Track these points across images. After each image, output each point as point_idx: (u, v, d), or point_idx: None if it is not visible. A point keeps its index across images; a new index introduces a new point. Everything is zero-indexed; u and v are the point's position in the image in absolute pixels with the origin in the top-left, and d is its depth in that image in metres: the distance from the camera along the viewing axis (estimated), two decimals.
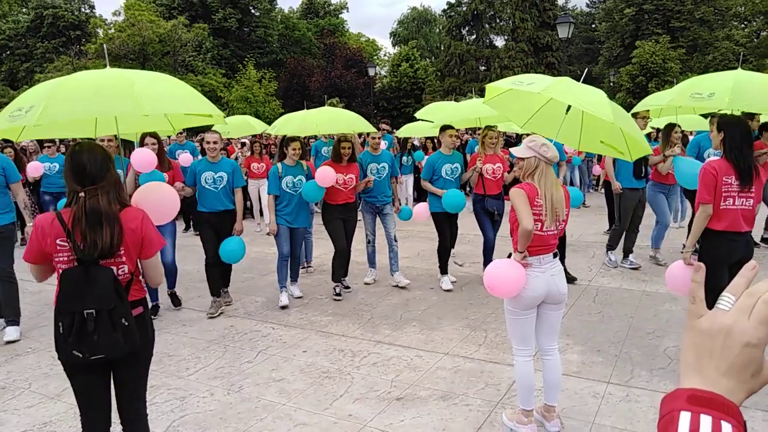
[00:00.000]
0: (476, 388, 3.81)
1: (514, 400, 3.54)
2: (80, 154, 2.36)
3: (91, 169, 2.33)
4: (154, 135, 5.37)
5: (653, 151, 6.42)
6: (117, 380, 2.52)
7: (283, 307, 5.64)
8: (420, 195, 11.46)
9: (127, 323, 2.33)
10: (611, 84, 35.35)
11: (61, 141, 12.53)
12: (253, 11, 40.01)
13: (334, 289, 5.99)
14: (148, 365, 2.62)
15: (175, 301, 5.73)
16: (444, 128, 6.18)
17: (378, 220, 6.41)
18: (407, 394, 3.77)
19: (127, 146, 5.85)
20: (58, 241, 2.29)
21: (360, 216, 6.48)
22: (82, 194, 2.30)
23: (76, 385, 2.47)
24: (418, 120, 10.45)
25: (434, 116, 8.72)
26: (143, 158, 4.71)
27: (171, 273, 5.66)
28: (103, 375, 2.48)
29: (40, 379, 4.12)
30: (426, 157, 9.80)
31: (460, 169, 6.15)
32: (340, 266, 6.02)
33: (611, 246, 6.83)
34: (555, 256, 3.14)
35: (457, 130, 11.83)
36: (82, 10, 38.62)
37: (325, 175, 5.60)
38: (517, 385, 3.25)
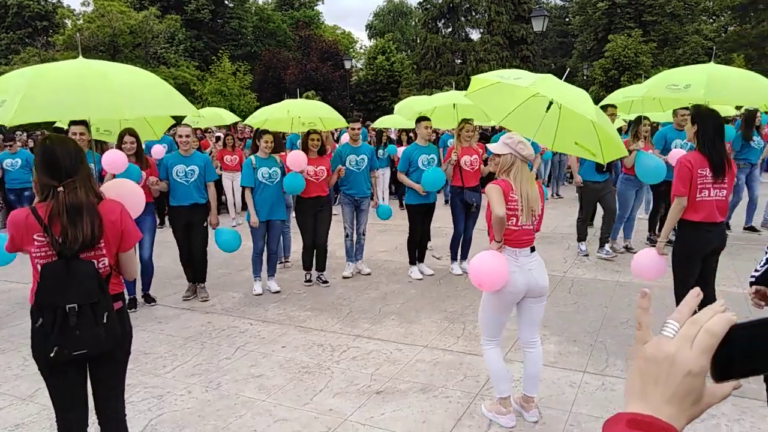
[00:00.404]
0: (455, 380, 3.84)
1: (492, 391, 3.56)
2: (52, 147, 2.31)
3: (66, 162, 2.28)
4: (133, 133, 5.24)
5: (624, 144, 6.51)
6: (94, 378, 2.47)
7: (257, 295, 5.79)
8: (398, 189, 11.45)
9: (108, 318, 2.30)
10: (585, 77, 35.78)
11: (29, 135, 12.20)
12: (226, 2, 39.30)
13: (305, 275, 6.19)
14: (127, 362, 2.58)
15: (149, 299, 5.66)
16: (420, 119, 6.22)
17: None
18: (387, 387, 3.78)
19: (99, 144, 5.73)
20: (35, 236, 2.25)
21: (338, 210, 6.50)
22: (60, 189, 2.25)
23: (52, 384, 2.40)
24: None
25: (411, 110, 8.68)
26: (113, 160, 4.56)
27: (148, 270, 5.59)
28: (81, 373, 2.43)
29: (11, 380, 4.01)
30: (400, 149, 9.71)
31: (437, 161, 6.20)
32: (309, 259, 6.17)
33: (579, 237, 7.09)
34: (532, 250, 3.17)
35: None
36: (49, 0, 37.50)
37: (296, 159, 5.67)
38: (489, 373, 3.32)
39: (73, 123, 4.89)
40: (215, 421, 3.39)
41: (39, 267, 2.26)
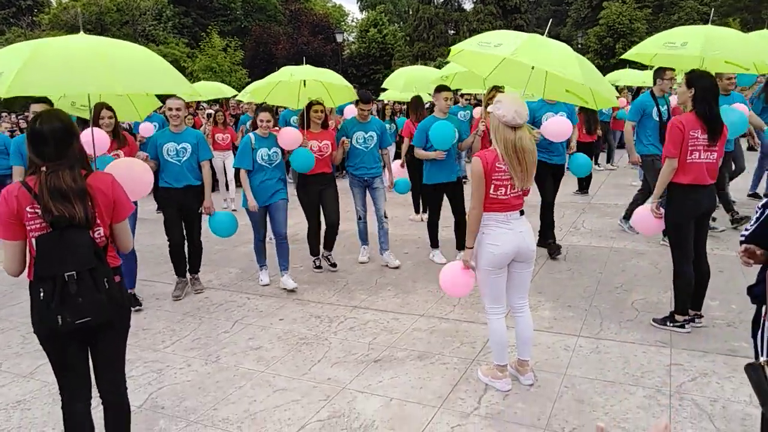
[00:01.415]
0: (452, 347, 3.89)
1: (489, 356, 3.62)
2: (41, 125, 2.26)
3: (51, 144, 2.24)
4: (109, 107, 4.71)
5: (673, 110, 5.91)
6: (95, 351, 2.48)
7: (264, 285, 5.37)
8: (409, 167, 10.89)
9: (109, 285, 2.31)
10: (579, 45, 35.39)
11: (18, 116, 12.02)
12: None
13: (314, 262, 5.76)
14: (126, 335, 2.59)
15: (134, 302, 4.87)
16: (439, 89, 5.55)
17: (368, 195, 5.91)
18: (384, 355, 3.83)
19: (81, 122, 5.39)
20: (28, 209, 2.24)
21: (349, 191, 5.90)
22: (43, 169, 2.23)
23: (54, 358, 2.41)
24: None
25: (399, 81, 8.50)
26: (95, 139, 4.14)
27: (129, 265, 4.80)
28: (82, 346, 2.44)
29: (12, 358, 4.04)
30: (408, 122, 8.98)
31: (459, 135, 5.48)
32: (316, 242, 5.74)
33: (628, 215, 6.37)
34: (521, 213, 3.18)
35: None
36: None
37: (288, 137, 5.18)
38: (491, 342, 3.34)
39: (34, 101, 4.40)
40: (215, 393, 3.43)
41: (34, 240, 2.25)
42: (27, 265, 2.35)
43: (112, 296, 2.32)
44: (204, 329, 4.43)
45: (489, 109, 3.05)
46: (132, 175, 3.46)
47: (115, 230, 2.47)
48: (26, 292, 2.33)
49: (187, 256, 5.30)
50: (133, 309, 4.39)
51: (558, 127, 5.12)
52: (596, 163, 11.05)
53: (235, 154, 7.16)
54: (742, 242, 2.15)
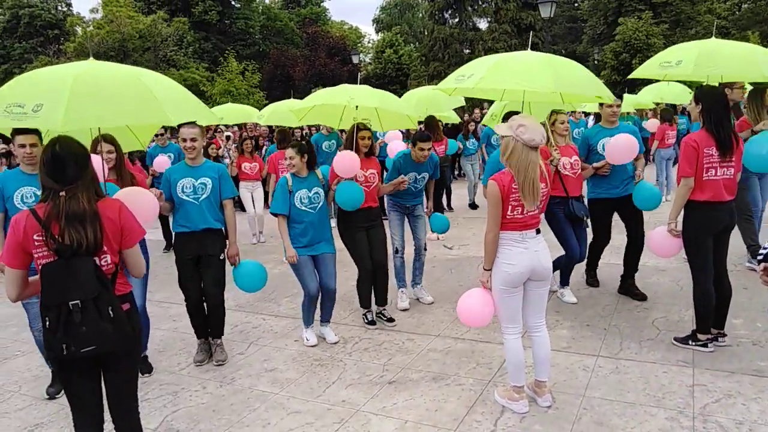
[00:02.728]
0: (468, 368, 3.83)
1: (505, 377, 3.56)
2: (59, 151, 2.32)
3: (71, 166, 2.31)
4: (109, 139, 3.86)
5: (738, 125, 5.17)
6: (107, 379, 2.49)
7: (311, 346, 4.43)
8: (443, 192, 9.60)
9: (114, 313, 2.30)
10: (596, 62, 35.28)
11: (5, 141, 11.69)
12: (233, 3, 39.48)
13: (365, 316, 4.83)
14: (138, 362, 2.61)
15: (144, 368, 4.08)
16: (511, 114, 4.25)
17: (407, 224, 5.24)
18: (399, 377, 3.79)
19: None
20: (35, 237, 2.27)
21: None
22: (62, 194, 2.28)
23: (67, 384, 2.46)
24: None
25: (411, 102, 8.37)
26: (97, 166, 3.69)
27: (143, 324, 3.54)
28: (94, 374, 2.46)
29: (30, 382, 4.09)
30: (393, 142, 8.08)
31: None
32: (369, 290, 4.81)
33: None
34: (538, 232, 3.15)
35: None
36: (59, 8, 37.93)
37: (347, 162, 4.37)
38: (507, 363, 3.28)
39: (18, 132, 3.65)
40: (229, 416, 3.42)
41: (40, 267, 2.28)
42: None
43: (118, 325, 2.31)
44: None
45: (510, 132, 2.98)
46: (137, 201, 3.23)
47: (126, 256, 2.49)
48: None
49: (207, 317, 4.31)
50: (141, 376, 3.79)
51: (620, 145, 4.53)
52: None
53: (264, 186, 6.74)
54: (760, 261, 2.10)
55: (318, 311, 4.56)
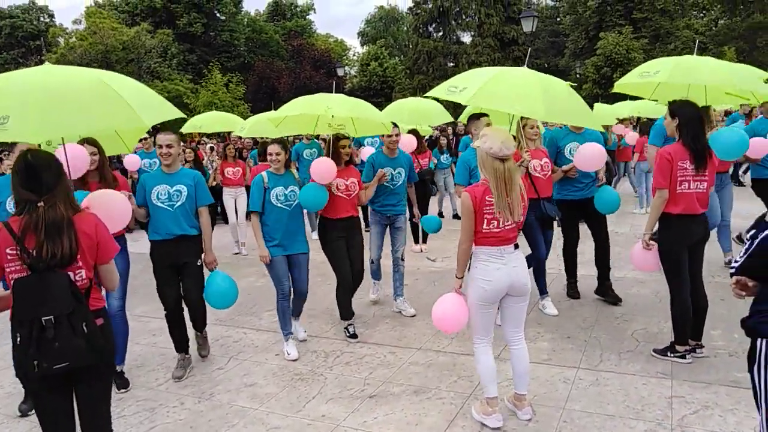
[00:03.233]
0: (449, 381, 3.82)
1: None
2: (33, 161, 2.31)
3: (47, 177, 2.29)
4: (92, 142, 3.87)
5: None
6: (79, 396, 2.44)
7: (292, 361, 4.36)
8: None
9: (88, 329, 2.26)
10: (578, 76, 35.85)
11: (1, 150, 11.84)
12: (218, 15, 39.50)
13: (346, 329, 4.78)
14: (112, 378, 2.56)
15: (121, 383, 3.97)
16: (476, 116, 4.67)
17: (387, 234, 5.38)
18: (380, 391, 3.76)
19: None
20: (8, 251, 2.23)
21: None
22: (41, 204, 2.25)
23: (37, 402, 2.40)
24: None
25: (403, 114, 8.49)
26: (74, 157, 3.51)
27: (120, 331, 3.93)
28: (65, 391, 2.40)
29: (3, 399, 3.99)
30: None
31: None
32: (349, 301, 4.84)
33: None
34: (516, 247, 3.13)
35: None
36: (42, 19, 37.69)
37: (323, 168, 4.44)
38: (479, 374, 3.27)
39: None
40: None
41: (12, 282, 2.24)
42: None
43: (92, 341, 2.27)
44: (199, 366, 4.37)
45: (475, 144, 3.06)
46: (109, 203, 3.23)
47: (101, 271, 2.47)
48: None
49: (187, 317, 4.34)
50: (118, 391, 3.87)
51: (588, 154, 4.70)
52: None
53: (247, 191, 6.63)
54: (732, 274, 2.12)
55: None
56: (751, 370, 2.09)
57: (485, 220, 3.00)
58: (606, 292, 5.16)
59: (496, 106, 4.08)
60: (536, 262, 4.89)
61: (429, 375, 3.95)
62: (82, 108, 2.80)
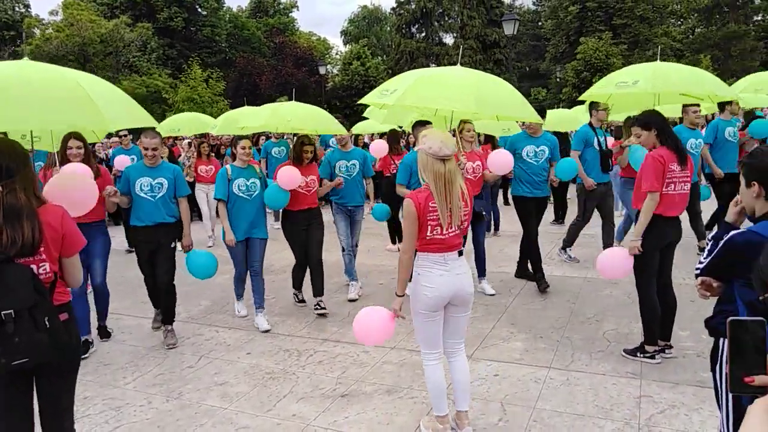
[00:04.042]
0: (421, 381, 3.80)
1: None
2: None
3: (8, 162, 2.22)
4: (78, 137, 4.34)
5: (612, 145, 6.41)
6: (41, 393, 2.37)
7: (243, 317, 5.22)
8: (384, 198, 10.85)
9: (51, 324, 2.19)
10: (558, 79, 36.28)
11: None
12: (199, 10, 39.02)
13: (295, 296, 5.55)
14: (75, 375, 2.48)
15: (104, 333, 4.83)
16: (421, 123, 5.27)
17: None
18: (353, 390, 3.74)
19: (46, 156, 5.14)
20: None
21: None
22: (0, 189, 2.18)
23: None
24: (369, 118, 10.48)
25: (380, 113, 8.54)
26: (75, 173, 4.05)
27: (103, 297, 4.74)
28: (25, 388, 2.33)
29: None
30: (377, 141, 8.98)
31: None
32: (302, 275, 5.51)
33: (569, 242, 6.65)
34: (460, 254, 2.97)
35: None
36: (17, 9, 36.79)
37: (290, 177, 4.91)
38: (428, 390, 3.09)
39: None
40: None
41: None
42: None
43: (54, 336, 2.20)
44: (168, 364, 4.29)
45: (417, 147, 2.92)
46: (75, 185, 3.28)
47: (65, 265, 2.39)
48: None
49: (162, 305, 4.85)
50: (102, 340, 4.79)
51: (499, 159, 5.10)
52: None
53: None
54: (697, 275, 2.15)
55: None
56: (713, 369, 2.12)
57: (429, 227, 2.85)
58: (525, 274, 6.01)
59: (425, 103, 4.32)
60: (475, 251, 5.61)
61: (402, 374, 3.93)
62: (45, 103, 2.78)
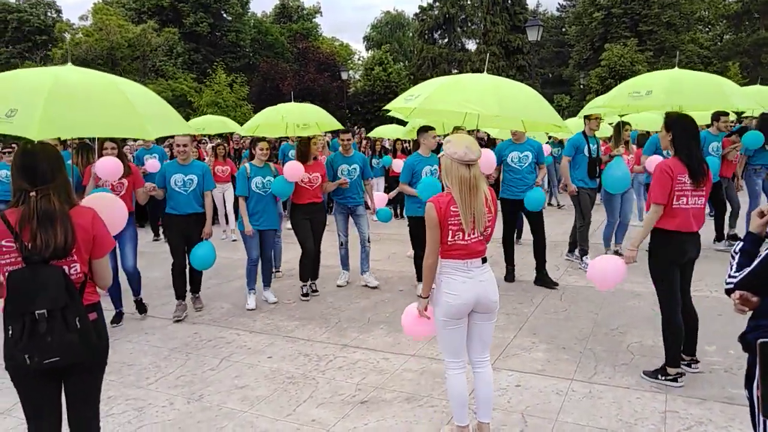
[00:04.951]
0: (441, 389, 3.78)
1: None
2: (32, 153, 2.32)
3: (43, 168, 2.28)
4: (113, 138, 5.18)
5: (604, 150, 6.92)
6: (68, 391, 2.41)
7: (250, 310, 5.63)
8: (394, 199, 11.40)
9: (81, 324, 2.24)
10: (581, 86, 35.91)
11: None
12: (224, 15, 39.61)
13: (302, 288, 6.03)
14: (102, 374, 2.52)
15: (141, 308, 5.57)
16: (425, 129, 5.79)
17: (351, 221, 6.43)
18: (372, 397, 3.73)
19: (85, 151, 5.64)
20: (3, 243, 2.21)
21: (333, 218, 6.48)
22: (33, 194, 2.24)
23: (24, 396, 2.36)
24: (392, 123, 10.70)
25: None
26: (109, 167, 4.63)
27: (134, 279, 5.49)
28: (54, 385, 2.38)
29: None
30: (397, 161, 9.85)
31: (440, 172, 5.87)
32: (308, 267, 6.01)
33: (583, 248, 6.72)
34: (484, 261, 2.93)
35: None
36: (48, 14, 37.77)
37: (293, 170, 5.66)
38: (449, 399, 3.06)
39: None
40: None
41: (6, 274, 2.21)
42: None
43: (84, 336, 2.25)
44: (190, 366, 4.34)
45: (445, 148, 2.89)
46: (110, 210, 3.39)
47: (95, 266, 2.44)
48: None
49: (188, 278, 5.65)
50: (141, 315, 5.52)
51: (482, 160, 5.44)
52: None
53: (234, 187, 7.60)
54: (730, 290, 2.09)
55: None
56: (748, 387, 2.06)
57: (450, 232, 2.82)
58: (543, 280, 6.07)
59: (449, 106, 4.53)
60: None
61: (422, 382, 3.91)
62: (91, 113, 2.83)
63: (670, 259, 3.62)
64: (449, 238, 2.84)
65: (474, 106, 4.25)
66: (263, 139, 5.91)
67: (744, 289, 2.05)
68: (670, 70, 5.31)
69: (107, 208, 3.08)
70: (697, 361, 3.83)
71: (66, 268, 2.28)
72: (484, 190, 2.86)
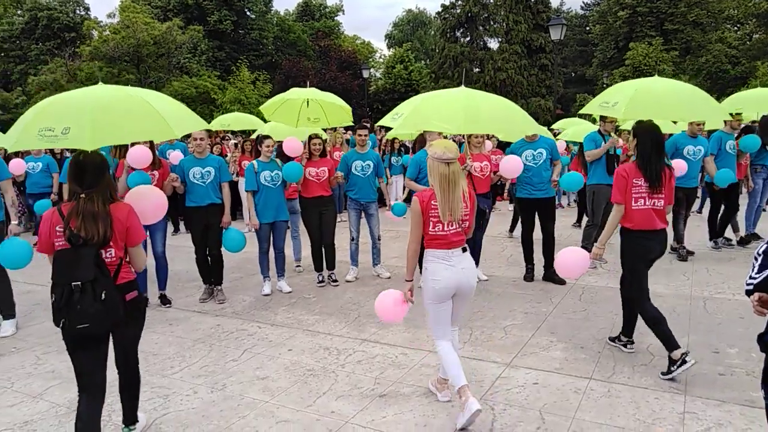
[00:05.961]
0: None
1: (497, 396, 3.59)
2: (83, 162, 2.82)
3: (89, 176, 2.79)
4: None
5: (623, 149, 7.10)
6: (116, 341, 2.97)
7: (266, 296, 5.99)
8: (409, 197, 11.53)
9: (106, 296, 2.65)
10: (605, 85, 35.42)
11: None
12: (248, 13, 39.98)
13: (317, 277, 6.37)
14: (138, 333, 3.09)
15: (165, 301, 5.79)
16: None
17: (363, 219, 6.62)
18: (390, 391, 3.78)
19: (122, 147, 5.84)
20: (57, 228, 2.75)
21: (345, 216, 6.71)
22: (83, 196, 2.74)
23: (72, 353, 2.81)
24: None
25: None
26: (139, 156, 5.01)
27: (162, 267, 5.75)
28: (98, 344, 2.84)
29: (23, 379, 4.11)
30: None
31: None
32: (317, 257, 6.37)
33: (585, 247, 6.77)
34: (464, 251, 3.32)
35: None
36: (77, 12, 38.51)
37: (292, 145, 6.05)
38: (444, 365, 3.39)
39: None
40: (218, 421, 3.43)
41: (54, 252, 2.73)
42: None
43: (108, 307, 2.66)
44: (213, 356, 4.45)
45: (430, 152, 3.29)
46: (149, 199, 3.65)
47: (130, 252, 2.96)
48: (45, 314, 2.62)
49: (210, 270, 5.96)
50: (165, 306, 5.75)
51: (509, 165, 5.76)
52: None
53: None
54: (750, 291, 2.10)
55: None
56: (765, 387, 2.07)
57: (431, 223, 3.25)
58: (551, 277, 6.18)
59: (422, 127, 5.28)
60: (471, 243, 6.09)
61: None
62: (126, 123, 3.29)
63: (638, 256, 3.94)
64: (430, 229, 3.27)
65: (444, 125, 4.68)
66: (269, 136, 6.21)
67: (763, 291, 2.06)
68: (644, 79, 5.36)
69: (145, 197, 3.47)
70: (632, 342, 4.21)
71: (102, 252, 2.76)
72: (462, 186, 3.27)
